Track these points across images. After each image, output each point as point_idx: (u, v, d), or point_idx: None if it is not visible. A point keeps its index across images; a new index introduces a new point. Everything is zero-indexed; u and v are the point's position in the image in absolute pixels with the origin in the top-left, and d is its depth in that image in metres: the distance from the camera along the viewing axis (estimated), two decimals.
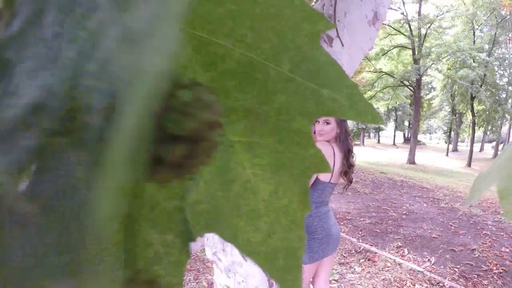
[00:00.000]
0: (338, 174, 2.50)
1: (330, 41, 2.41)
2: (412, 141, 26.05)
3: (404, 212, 8.10)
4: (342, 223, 6.83)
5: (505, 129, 37.34)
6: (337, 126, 2.44)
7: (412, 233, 6.70)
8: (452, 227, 7.15)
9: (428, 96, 37.02)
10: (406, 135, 58.83)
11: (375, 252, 5.62)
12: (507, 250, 6.01)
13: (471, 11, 25.70)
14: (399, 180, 12.46)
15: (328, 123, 2.41)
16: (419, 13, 25.25)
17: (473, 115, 29.09)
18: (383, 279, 4.72)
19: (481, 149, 49.06)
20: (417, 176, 15.02)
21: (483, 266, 5.32)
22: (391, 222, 7.30)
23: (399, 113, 50.09)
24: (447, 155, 38.34)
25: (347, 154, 2.49)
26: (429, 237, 6.48)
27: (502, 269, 5.22)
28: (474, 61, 23.74)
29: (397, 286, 4.57)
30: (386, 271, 4.97)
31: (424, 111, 33.85)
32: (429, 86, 41.72)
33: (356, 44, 2.48)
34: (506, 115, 28.40)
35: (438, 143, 66.85)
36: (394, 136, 53.33)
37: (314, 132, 2.68)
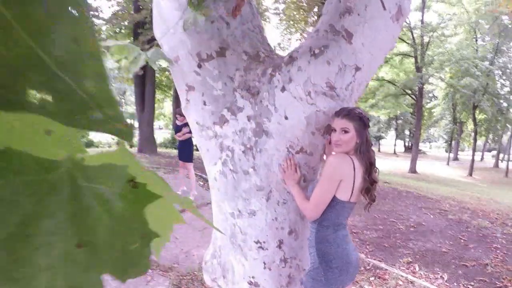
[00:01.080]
0: (358, 191, 2.18)
1: (350, 37, 2.12)
2: (413, 150, 25.89)
3: (412, 224, 7.79)
4: None
5: (505, 138, 37.08)
6: (357, 135, 2.13)
7: (422, 247, 6.40)
8: (462, 240, 6.86)
9: (429, 105, 36.86)
10: (406, 144, 58.67)
11: (385, 269, 5.30)
12: None
13: (474, 20, 25.59)
14: (404, 190, 12.17)
15: (346, 132, 2.11)
16: (422, 21, 25.15)
17: (475, 124, 28.89)
18: None
19: (482, 158, 48.91)
20: (421, 186, 14.74)
21: (497, 282, 5.09)
22: (399, 236, 7.00)
23: (400, 121, 50.00)
24: (448, 164, 38.18)
25: (369, 168, 2.14)
26: (439, 252, 6.18)
27: (506, 278, 5.06)
28: (477, 70, 23.56)
29: None
30: None
31: (425, 120, 33.63)
32: (430, 95, 41.58)
33: (377, 42, 2.20)
34: (508, 125, 28.14)
35: (438, 152, 66.71)
36: (395, 145, 53.17)
37: (330, 142, 2.39)
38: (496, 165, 38.95)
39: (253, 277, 2.50)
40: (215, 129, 2.40)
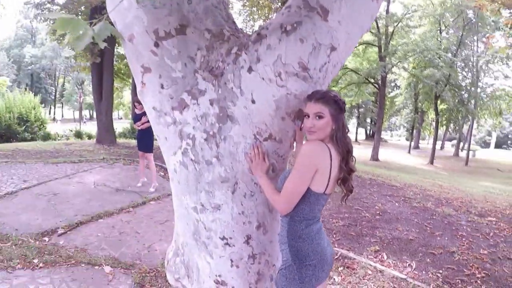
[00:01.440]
0: (334, 182, 2.01)
1: (325, 14, 1.92)
2: (376, 138, 26.27)
3: (377, 212, 7.78)
4: None
5: (465, 128, 38.15)
6: (333, 121, 1.94)
7: (388, 235, 6.37)
8: (428, 228, 6.89)
9: (392, 94, 37.45)
10: (368, 132, 59.72)
11: (354, 258, 5.21)
12: (486, 252, 5.83)
13: (439, 12, 26.00)
14: (367, 178, 12.28)
15: (321, 117, 1.92)
16: (387, 10, 25.35)
17: (437, 114, 29.54)
18: None
19: (442, 147, 50.25)
20: (384, 173, 14.92)
21: (465, 270, 5.08)
22: (365, 224, 6.95)
23: (362, 110, 50.71)
24: (409, 152, 38.96)
25: (346, 156, 1.97)
26: (406, 239, 6.16)
27: (485, 273, 5.00)
28: (441, 61, 24.01)
29: None
30: (368, 280, 4.57)
31: (387, 109, 34.15)
32: (393, 84, 42.27)
33: (355, 21, 2.03)
34: (468, 115, 28.89)
35: (399, 140, 68.34)
36: (356, 133, 53.98)
37: (301, 129, 2.20)
38: (457, 154, 40.07)
39: (219, 276, 2.30)
40: (174, 115, 2.16)
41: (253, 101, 1.99)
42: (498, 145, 63.26)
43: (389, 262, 5.20)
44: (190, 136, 2.13)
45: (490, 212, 8.51)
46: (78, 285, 4.07)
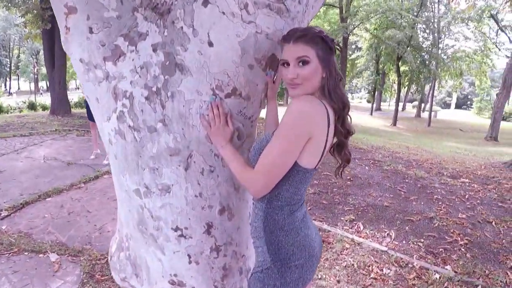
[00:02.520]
0: (328, 150, 1.51)
1: None
2: None
3: (348, 177, 7.45)
4: None
5: (427, 88, 38.57)
6: (322, 66, 1.43)
7: (362, 202, 6.03)
8: (402, 193, 6.62)
9: (353, 56, 37.19)
10: None
11: (329, 231, 4.82)
12: (464, 216, 5.65)
13: None
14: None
15: (306, 62, 1.40)
16: None
17: (399, 75, 29.61)
18: (345, 266, 3.94)
19: (403, 108, 50.97)
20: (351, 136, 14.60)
21: (446, 237, 4.85)
22: (336, 191, 6.59)
23: None
24: (371, 114, 39.27)
25: (342, 113, 1.48)
26: (381, 206, 5.84)
27: (467, 239, 4.79)
28: (404, 21, 23.83)
29: (363, 274, 3.78)
30: (347, 255, 4.19)
31: (348, 71, 33.95)
32: (354, 46, 41.99)
33: None
34: (430, 76, 29.06)
35: (360, 102, 69.08)
36: None
37: (274, 81, 1.70)
38: (418, 115, 40.70)
39: (175, 275, 1.79)
40: (106, 67, 1.58)
41: (210, 44, 1.44)
42: (458, 106, 64.80)
43: (366, 233, 4.86)
44: (126, 95, 1.56)
45: (462, 173, 8.36)
46: (19, 278, 3.51)
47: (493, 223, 5.42)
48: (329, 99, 1.43)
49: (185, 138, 1.56)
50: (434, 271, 3.91)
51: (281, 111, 1.51)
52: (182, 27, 1.46)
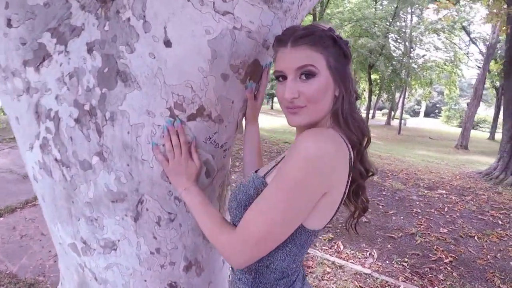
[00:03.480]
0: None
1: None
2: None
3: None
4: None
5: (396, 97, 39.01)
6: (335, 82, 1.01)
7: (340, 217, 5.65)
8: (380, 206, 6.32)
9: None
10: None
11: (308, 253, 4.42)
12: (446, 230, 5.42)
13: None
14: None
15: (312, 75, 0.98)
16: None
17: (370, 84, 29.82)
18: None
19: (373, 116, 51.35)
20: None
21: (430, 255, 4.58)
22: None
23: None
24: None
25: (361, 147, 1.05)
26: (360, 222, 5.38)
27: (451, 257, 4.55)
28: (377, 30, 24.00)
29: None
30: (328, 281, 3.81)
31: None
32: None
33: None
34: (402, 85, 29.36)
35: None
36: None
37: (256, 97, 1.26)
38: (388, 122, 41.02)
39: None
40: (26, 75, 1.13)
41: (167, 43, 1.02)
42: (426, 114, 66.02)
43: (347, 253, 4.49)
44: (51, 115, 1.12)
45: (438, 184, 8.17)
46: None
47: (476, 237, 5.25)
48: (346, 129, 1.01)
49: (132, 178, 1.12)
50: None
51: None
52: (129, 19, 1.03)
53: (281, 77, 1.03)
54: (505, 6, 8.76)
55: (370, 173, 1.10)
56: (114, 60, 1.04)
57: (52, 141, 1.13)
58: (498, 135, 26.56)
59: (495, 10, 8.88)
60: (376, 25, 24.19)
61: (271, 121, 29.50)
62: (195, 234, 1.28)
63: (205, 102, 1.10)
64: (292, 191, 0.89)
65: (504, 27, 8.47)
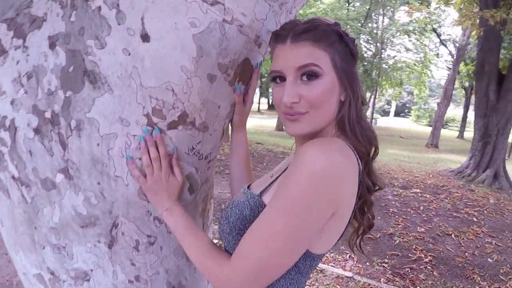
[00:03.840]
0: None
1: None
2: None
3: None
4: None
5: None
6: (341, 85, 0.87)
7: None
8: None
9: None
10: (270, 102, 60.42)
11: None
12: (423, 229, 5.47)
13: None
14: (279, 151, 11.40)
15: (316, 76, 0.84)
16: None
17: None
18: None
19: None
20: (283, 143, 14.19)
21: (410, 254, 4.61)
22: None
23: (264, 79, 50.81)
24: None
25: (367, 158, 0.91)
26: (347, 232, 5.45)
27: (431, 256, 4.60)
28: (351, 31, 24.28)
29: None
30: (310, 286, 3.72)
31: None
32: None
33: None
34: (373, 85, 29.75)
35: None
36: (259, 102, 54.12)
37: (245, 101, 1.11)
38: None
39: None
40: None
41: (144, 37, 0.87)
42: (396, 114, 67.04)
43: (327, 257, 4.41)
44: (6, 124, 0.94)
45: (412, 183, 8.28)
46: None
47: (452, 235, 5.32)
48: (353, 139, 0.88)
49: (104, 199, 0.95)
50: None
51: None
52: (99, 8, 0.87)
53: (278, 78, 0.88)
54: (477, 9, 8.92)
55: (377, 187, 0.96)
56: (81, 57, 0.88)
57: (8, 156, 0.95)
58: (467, 134, 27.39)
59: (468, 13, 9.01)
60: (349, 26, 24.44)
61: None
62: (177, 256, 1.12)
63: (188, 107, 0.95)
64: (297, 213, 0.75)
65: (476, 30, 8.60)
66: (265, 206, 0.87)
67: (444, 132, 25.07)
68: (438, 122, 20.02)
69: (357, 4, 28.11)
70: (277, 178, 0.95)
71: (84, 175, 0.93)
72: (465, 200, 7.09)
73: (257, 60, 1.05)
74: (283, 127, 0.92)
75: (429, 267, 4.28)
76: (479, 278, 4.09)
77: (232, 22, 0.89)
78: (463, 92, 28.17)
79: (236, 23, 0.90)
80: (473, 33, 9.60)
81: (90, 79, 0.88)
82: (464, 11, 9.76)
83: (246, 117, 1.18)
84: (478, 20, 8.75)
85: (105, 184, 0.94)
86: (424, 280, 3.98)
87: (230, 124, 1.18)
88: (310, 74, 0.84)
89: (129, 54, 0.87)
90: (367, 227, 0.99)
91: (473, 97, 20.25)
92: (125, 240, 1.00)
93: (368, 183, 0.92)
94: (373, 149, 0.92)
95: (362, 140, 0.88)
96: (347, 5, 27.48)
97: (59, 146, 0.91)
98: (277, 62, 0.88)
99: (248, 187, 1.04)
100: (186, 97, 0.93)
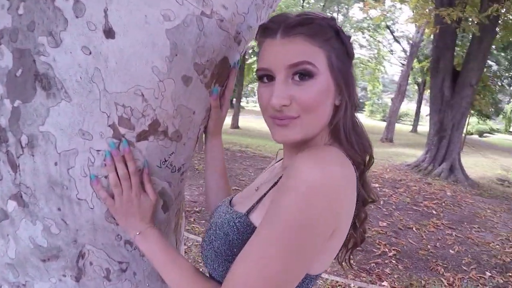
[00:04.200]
0: None
1: None
2: (236, 105, 26.31)
3: None
4: (191, 219, 5.11)
5: None
6: (336, 87, 0.77)
7: None
8: None
9: (250, 61, 37.29)
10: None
11: None
12: (385, 224, 5.54)
13: None
14: (236, 150, 11.29)
15: (310, 75, 0.73)
16: None
17: None
18: None
19: None
20: (252, 143, 14.19)
21: (374, 249, 4.64)
22: None
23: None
24: None
25: (362, 168, 0.82)
26: None
27: (394, 250, 4.66)
28: None
29: None
30: None
31: (244, 76, 34.07)
32: (250, 51, 42.42)
33: None
34: None
35: (255, 107, 70.44)
36: None
37: (222, 105, 1.01)
38: None
39: None
40: None
41: (109, 33, 0.73)
42: None
43: None
44: None
45: (370, 178, 8.21)
46: None
47: (414, 228, 5.42)
48: (348, 148, 0.78)
49: (66, 226, 0.81)
50: None
51: None
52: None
53: (266, 77, 0.77)
54: (432, 7, 9.18)
55: (370, 200, 0.87)
56: (31, 58, 0.73)
57: None
58: (420, 128, 28.34)
59: (423, 12, 9.26)
60: None
61: None
62: (152, 280, 0.99)
63: (160, 114, 0.82)
64: (295, 236, 0.65)
65: (431, 28, 8.86)
66: (254, 227, 0.76)
67: (398, 126, 25.75)
68: (392, 117, 20.56)
69: (312, 1, 28.44)
70: (265, 193, 0.83)
71: (41, 201, 0.79)
72: (423, 193, 7.28)
73: (234, 59, 0.94)
74: (271, 134, 0.80)
75: (393, 261, 4.32)
76: (442, 270, 4.18)
77: (211, 15, 0.78)
78: (416, 87, 29.09)
79: (216, 17, 0.78)
80: (427, 30, 9.87)
81: (43, 84, 0.73)
82: (419, 9, 10.01)
83: (222, 123, 1.06)
84: (434, 19, 9.01)
85: (66, 210, 0.80)
86: (390, 274, 4.01)
87: (204, 131, 1.06)
88: (303, 74, 0.73)
89: (90, 53, 0.73)
90: (361, 240, 0.89)
91: (426, 92, 20.97)
92: (94, 271, 0.86)
93: (364, 195, 0.83)
94: (369, 159, 0.83)
95: (358, 149, 0.78)
96: (302, 2, 27.76)
97: (8, 167, 0.76)
98: (265, 59, 0.77)
99: (230, 202, 0.92)
100: (158, 103, 0.80)
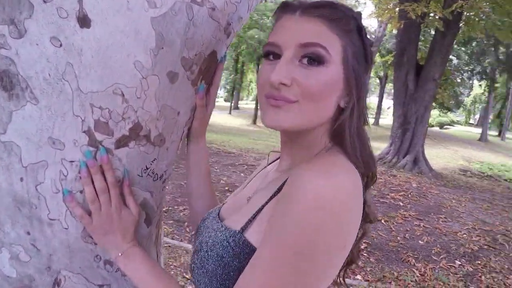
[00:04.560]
0: None
1: None
2: None
3: (226, 188, 6.74)
4: None
5: None
6: (346, 83, 0.67)
7: None
8: None
9: None
10: None
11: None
12: None
13: None
14: (212, 147, 11.19)
15: (321, 61, 0.64)
16: None
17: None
18: None
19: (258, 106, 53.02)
20: (216, 139, 14.03)
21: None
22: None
23: None
24: (230, 113, 39.86)
25: (367, 180, 0.73)
26: None
27: (365, 242, 4.64)
28: (268, 21, 24.81)
29: None
30: None
31: None
32: None
33: None
34: None
35: (217, 102, 70.33)
36: None
37: (207, 104, 0.91)
38: None
39: None
40: None
41: (83, 21, 0.62)
42: None
43: None
44: None
45: None
46: None
47: (382, 221, 5.48)
48: (353, 156, 0.69)
49: (38, 252, 0.69)
50: (348, 284, 3.60)
51: None
52: None
53: (272, 54, 0.69)
54: (396, 2, 9.36)
55: (368, 220, 0.79)
56: None
57: None
58: (382, 121, 28.97)
59: (387, 7, 9.42)
60: (266, 17, 24.88)
61: None
62: None
63: (142, 116, 0.71)
64: (303, 258, 0.58)
65: (396, 23, 9.02)
66: (250, 245, 0.66)
67: None
68: None
69: None
70: (262, 207, 0.72)
71: (7, 225, 0.67)
72: (389, 186, 7.38)
73: (221, 53, 0.84)
74: (261, 117, 0.70)
75: (365, 254, 4.36)
76: (413, 261, 4.26)
77: (202, 3, 0.68)
78: (378, 81, 29.75)
79: (207, 5, 0.69)
80: (390, 25, 10.07)
81: (4, 83, 0.61)
82: (383, 4, 10.17)
83: (206, 123, 0.96)
84: (397, 14, 9.17)
85: (37, 233, 0.69)
86: (363, 267, 4.05)
87: (187, 132, 0.96)
88: (312, 58, 0.65)
89: (61, 45, 0.61)
90: (356, 258, 0.81)
91: (387, 86, 21.46)
92: None
93: (367, 211, 0.74)
94: (373, 170, 0.74)
95: (363, 159, 0.69)
96: None
97: None
98: (277, 34, 0.69)
99: (218, 215, 0.82)
100: (140, 103, 0.70)
